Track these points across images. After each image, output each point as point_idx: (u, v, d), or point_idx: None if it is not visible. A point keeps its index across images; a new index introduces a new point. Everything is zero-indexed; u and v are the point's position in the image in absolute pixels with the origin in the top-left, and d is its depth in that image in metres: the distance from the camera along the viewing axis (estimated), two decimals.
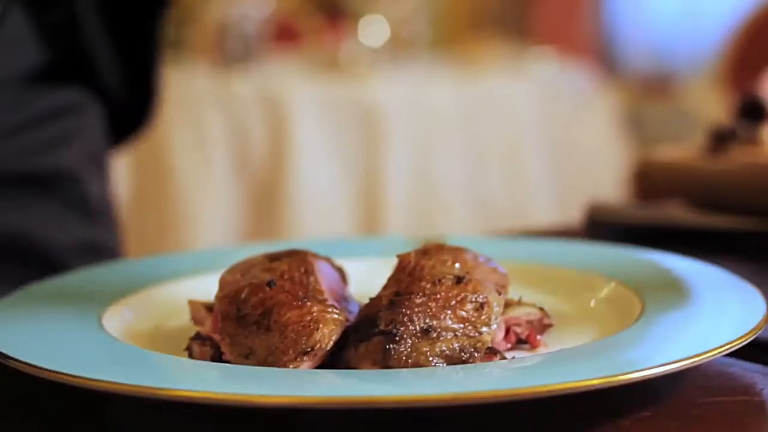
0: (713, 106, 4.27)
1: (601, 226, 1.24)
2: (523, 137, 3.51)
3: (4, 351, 0.66)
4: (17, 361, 0.65)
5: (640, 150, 4.08)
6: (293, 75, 3.38)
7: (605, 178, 3.69)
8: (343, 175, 3.18)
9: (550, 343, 0.74)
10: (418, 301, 0.67)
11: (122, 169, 3.04)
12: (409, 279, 0.70)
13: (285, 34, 3.86)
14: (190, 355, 0.71)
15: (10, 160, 1.20)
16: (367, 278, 0.85)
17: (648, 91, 5.22)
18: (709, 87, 4.53)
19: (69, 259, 1.22)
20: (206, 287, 0.82)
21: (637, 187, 1.43)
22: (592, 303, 0.83)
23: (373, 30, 3.59)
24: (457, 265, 0.72)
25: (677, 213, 1.25)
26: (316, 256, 0.76)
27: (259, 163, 3.08)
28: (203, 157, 3.05)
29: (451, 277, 0.70)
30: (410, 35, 3.76)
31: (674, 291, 0.80)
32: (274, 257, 0.75)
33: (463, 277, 0.70)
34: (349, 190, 3.18)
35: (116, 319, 0.78)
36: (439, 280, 0.69)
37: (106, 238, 1.31)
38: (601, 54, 5.48)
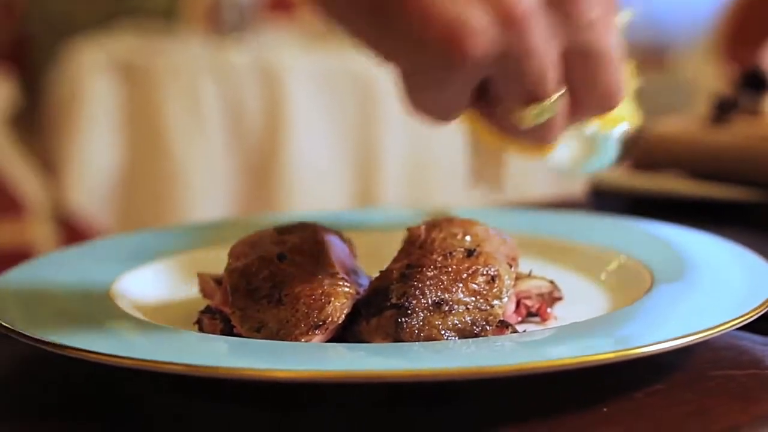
0: (708, 77, 4.26)
1: (604, 197, 1.24)
2: None
3: (10, 325, 0.66)
4: (24, 335, 0.64)
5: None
6: (289, 45, 3.36)
7: None
8: (339, 146, 3.17)
9: (561, 317, 0.74)
10: (429, 274, 0.67)
11: (116, 139, 3.03)
12: (419, 252, 0.70)
13: (280, 3, 3.84)
14: (201, 329, 0.71)
15: None
16: (374, 250, 0.85)
17: (643, 62, 5.20)
18: (704, 57, 4.52)
19: None
20: (213, 259, 0.82)
21: (637, 159, 1.42)
22: (602, 276, 0.83)
23: None
24: (467, 237, 0.72)
25: (680, 184, 1.25)
26: (325, 228, 0.76)
27: (255, 133, 3.06)
28: (198, 128, 3.04)
29: (462, 249, 0.69)
30: None
31: (683, 263, 0.80)
32: (283, 230, 0.74)
33: (474, 250, 0.69)
34: (346, 160, 3.17)
35: (125, 292, 0.77)
36: (450, 253, 0.69)
37: None
38: None
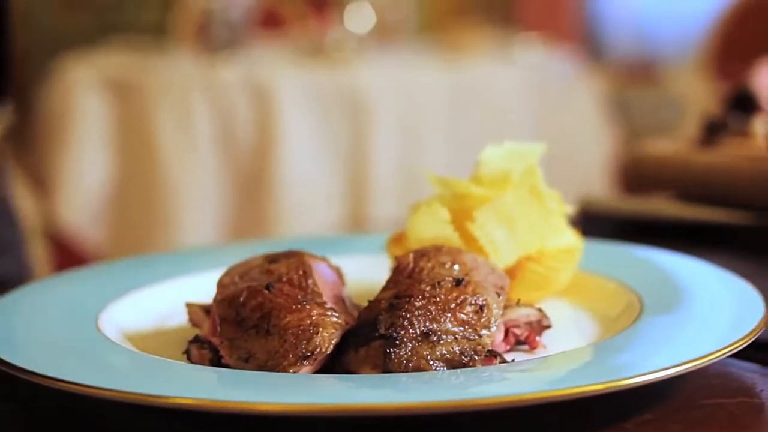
0: (698, 92, 4.27)
1: (593, 220, 1.24)
2: (509, 123, 3.51)
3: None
4: (13, 366, 0.64)
5: (625, 136, 4.09)
6: (279, 61, 3.36)
7: (590, 164, 3.69)
8: (330, 161, 3.17)
9: (549, 345, 0.74)
10: (417, 304, 0.67)
11: (107, 156, 3.03)
12: (408, 281, 0.70)
13: (270, 20, 3.84)
14: (189, 359, 0.70)
15: None
16: (359, 276, 0.85)
17: (633, 77, 5.21)
18: (693, 73, 4.53)
19: None
20: (202, 287, 0.82)
21: (628, 180, 1.42)
22: (591, 303, 0.83)
23: (358, 16, 3.57)
24: (456, 266, 0.72)
25: (670, 207, 1.25)
26: (313, 256, 0.76)
27: (246, 149, 3.06)
28: (189, 144, 3.03)
29: (451, 279, 0.69)
30: (396, 21, 3.74)
31: (672, 290, 0.80)
32: (271, 259, 0.74)
33: (462, 279, 0.69)
34: (336, 176, 3.17)
35: (113, 321, 0.77)
36: (439, 283, 0.69)
37: (11, 237, 1.28)
38: (586, 40, 5.47)
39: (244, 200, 3.09)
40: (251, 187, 3.06)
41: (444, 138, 3.41)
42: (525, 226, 0.81)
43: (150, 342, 0.75)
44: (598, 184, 3.53)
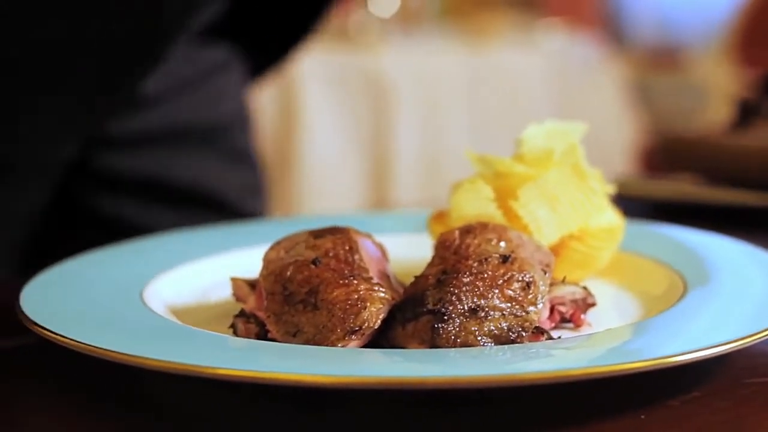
0: (720, 78, 4.25)
1: (627, 202, 1.24)
2: (531, 108, 3.50)
3: (47, 326, 0.66)
4: (61, 336, 0.64)
5: (648, 122, 4.07)
6: None
7: (612, 149, 3.68)
8: (353, 145, 3.17)
9: (594, 323, 0.74)
10: (465, 280, 0.67)
11: None
12: (455, 257, 0.70)
13: None
14: (235, 333, 0.71)
15: (183, 113, 1.30)
16: (401, 253, 0.85)
17: (655, 62, 5.20)
18: (716, 59, 4.51)
19: (237, 201, 1.37)
20: (244, 262, 0.82)
21: (659, 160, 1.42)
22: (632, 282, 0.83)
23: (382, 1, 3.57)
24: (502, 243, 0.72)
25: (702, 189, 1.25)
26: (358, 232, 0.76)
27: (270, 133, 3.07)
28: None
29: (497, 255, 0.69)
30: (420, 6, 3.74)
31: (714, 270, 0.80)
32: (317, 234, 0.74)
33: (509, 256, 0.69)
34: (359, 159, 3.17)
35: (158, 294, 0.77)
36: (486, 259, 0.69)
37: (259, 181, 1.47)
38: (608, 26, 5.46)
39: (268, 183, 3.10)
40: (274, 170, 3.07)
41: (466, 123, 3.41)
42: (568, 205, 0.81)
43: (194, 316, 0.75)
44: (620, 169, 3.52)
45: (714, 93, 4.19)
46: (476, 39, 3.62)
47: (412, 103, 3.25)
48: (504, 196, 0.81)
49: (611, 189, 0.86)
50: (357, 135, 3.18)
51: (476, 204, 0.80)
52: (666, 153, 1.37)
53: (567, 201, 0.80)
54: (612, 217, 0.85)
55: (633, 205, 1.23)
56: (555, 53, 3.72)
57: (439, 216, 0.86)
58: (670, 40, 5.40)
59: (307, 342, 0.65)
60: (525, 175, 0.82)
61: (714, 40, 4.75)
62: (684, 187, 1.27)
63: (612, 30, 5.44)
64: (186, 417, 0.64)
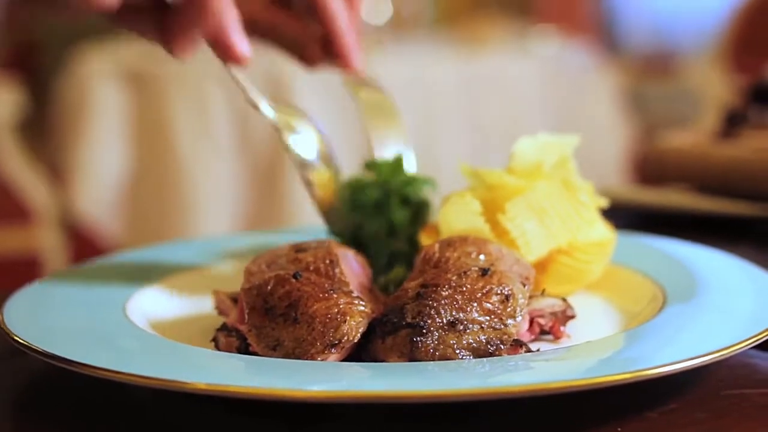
0: (714, 85, 4.26)
1: (613, 212, 1.24)
2: (525, 115, 3.50)
3: (30, 343, 0.66)
4: (40, 351, 0.65)
5: (641, 129, 4.08)
6: None
7: (606, 156, 3.68)
8: (345, 150, 3.17)
9: (573, 335, 0.74)
10: (444, 293, 0.67)
11: (124, 146, 3.04)
12: (434, 271, 0.70)
13: None
14: (217, 346, 0.71)
15: None
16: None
17: (649, 69, 5.21)
18: (710, 66, 4.51)
19: None
20: (228, 275, 0.82)
21: (647, 171, 1.42)
22: (614, 294, 0.83)
23: (375, 8, 3.58)
24: (481, 256, 0.72)
25: (689, 199, 1.25)
26: (340, 245, 0.76)
27: (262, 139, 3.07)
28: (206, 134, 3.04)
29: (477, 269, 0.70)
30: (413, 13, 3.74)
31: (695, 281, 0.80)
32: (298, 248, 0.74)
33: (488, 269, 0.70)
34: (351, 164, 3.17)
35: (140, 308, 0.78)
36: (465, 272, 0.69)
37: None
38: (602, 32, 5.47)
39: (260, 191, 3.10)
40: (268, 177, 3.07)
41: (460, 130, 3.41)
42: (557, 219, 0.81)
43: (176, 330, 0.75)
44: (613, 176, 3.53)
45: (708, 100, 4.19)
46: (470, 46, 3.62)
47: (406, 110, 3.25)
48: (493, 208, 0.81)
49: (602, 202, 0.86)
50: (349, 140, 3.18)
51: (464, 218, 0.80)
52: (654, 163, 1.37)
53: (555, 214, 0.81)
54: (602, 231, 0.85)
55: (619, 214, 1.23)
56: (549, 60, 3.72)
57: (429, 230, 0.86)
58: (664, 46, 5.41)
59: (287, 355, 0.66)
60: (514, 187, 0.82)
61: (708, 47, 4.76)
62: (670, 197, 1.27)
63: (606, 37, 5.45)
64: (169, 429, 0.64)
